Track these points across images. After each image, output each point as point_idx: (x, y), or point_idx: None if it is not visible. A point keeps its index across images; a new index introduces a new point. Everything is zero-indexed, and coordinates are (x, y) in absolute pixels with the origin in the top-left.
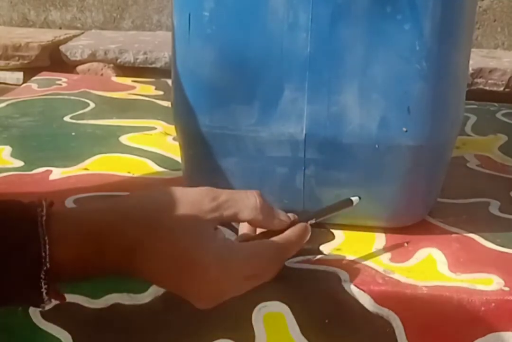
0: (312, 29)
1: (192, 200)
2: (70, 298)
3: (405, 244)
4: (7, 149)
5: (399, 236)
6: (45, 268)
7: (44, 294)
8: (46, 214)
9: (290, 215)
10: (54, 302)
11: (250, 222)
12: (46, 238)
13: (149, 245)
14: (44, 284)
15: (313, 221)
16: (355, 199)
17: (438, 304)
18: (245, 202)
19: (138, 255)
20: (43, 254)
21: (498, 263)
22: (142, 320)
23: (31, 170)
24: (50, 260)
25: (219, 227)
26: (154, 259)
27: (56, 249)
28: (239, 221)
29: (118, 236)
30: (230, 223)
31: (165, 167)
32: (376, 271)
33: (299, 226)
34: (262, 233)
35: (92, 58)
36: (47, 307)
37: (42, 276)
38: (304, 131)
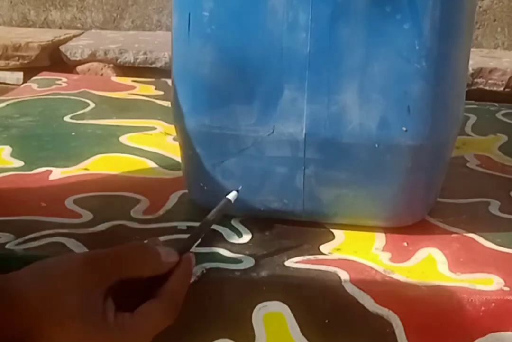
0: (312, 29)
1: (71, 279)
2: None
3: (405, 244)
4: (7, 149)
5: (399, 236)
6: None
7: None
8: None
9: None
10: None
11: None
12: None
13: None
14: None
15: (191, 251)
16: (232, 195)
17: (438, 304)
18: (128, 261)
19: None
20: None
21: (498, 263)
22: None
23: (31, 170)
24: None
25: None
26: None
27: None
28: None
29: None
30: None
31: (165, 167)
32: (376, 271)
33: (178, 272)
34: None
35: (92, 58)
36: None
37: None
38: (304, 131)
